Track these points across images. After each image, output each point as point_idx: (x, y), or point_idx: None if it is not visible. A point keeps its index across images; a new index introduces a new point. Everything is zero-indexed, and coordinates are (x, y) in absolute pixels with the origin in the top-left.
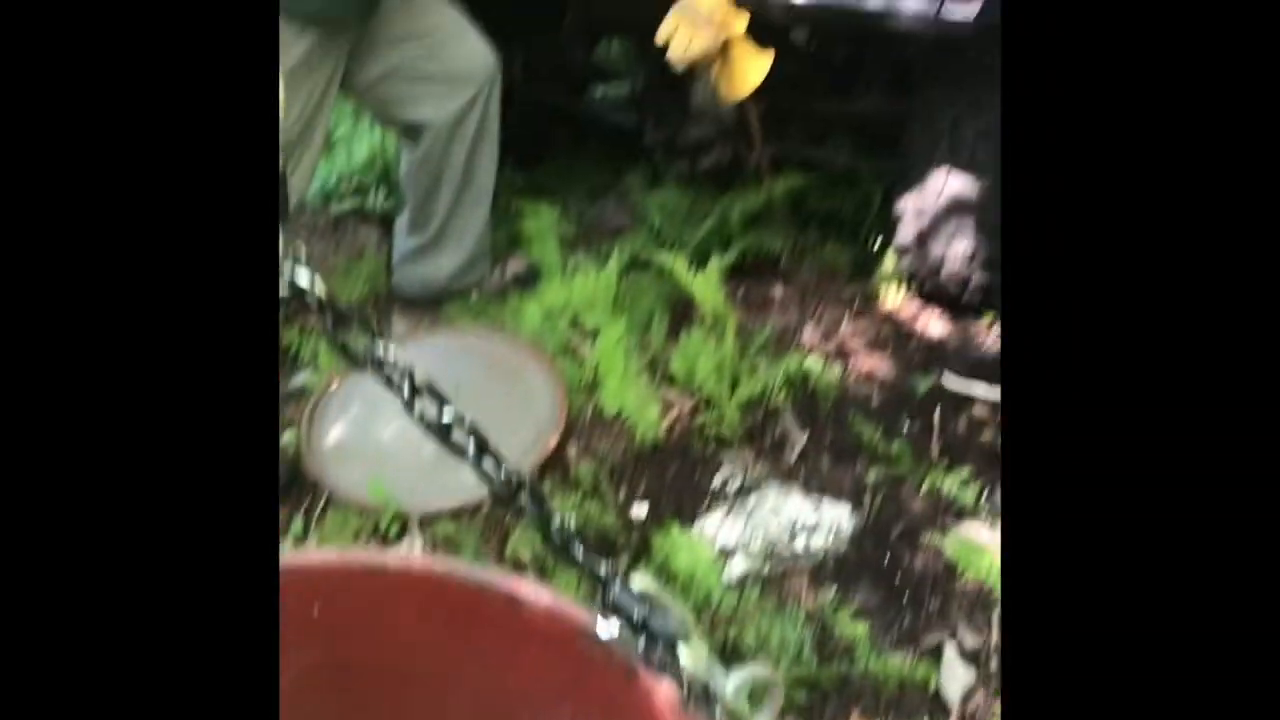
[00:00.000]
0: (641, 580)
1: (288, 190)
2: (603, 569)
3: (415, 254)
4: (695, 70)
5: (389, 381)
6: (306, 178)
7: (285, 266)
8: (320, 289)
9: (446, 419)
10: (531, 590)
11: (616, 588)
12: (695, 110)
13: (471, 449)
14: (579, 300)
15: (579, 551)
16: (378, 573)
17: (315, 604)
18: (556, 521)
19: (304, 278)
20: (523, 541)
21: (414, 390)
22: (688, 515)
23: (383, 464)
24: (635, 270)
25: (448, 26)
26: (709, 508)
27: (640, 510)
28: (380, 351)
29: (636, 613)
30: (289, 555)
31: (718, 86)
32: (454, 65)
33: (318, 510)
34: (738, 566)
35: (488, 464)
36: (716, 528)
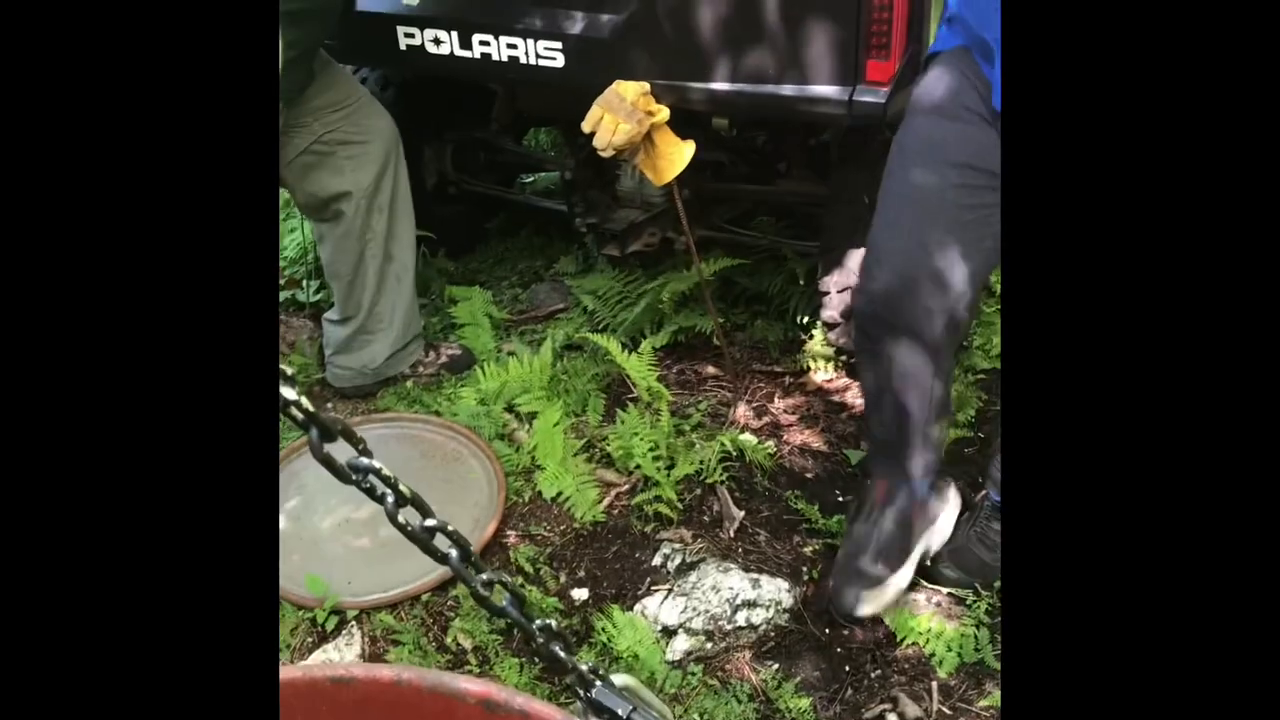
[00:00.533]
0: (623, 678)
1: None
2: (585, 666)
3: (348, 343)
4: (621, 157)
5: (370, 492)
6: None
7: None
8: (306, 403)
9: (430, 524)
10: (504, 694)
11: (599, 686)
12: (623, 196)
13: (455, 555)
14: (514, 385)
15: (562, 651)
16: (345, 685)
17: None
18: (540, 622)
19: (290, 392)
20: (463, 630)
21: (399, 499)
22: (629, 595)
23: (319, 557)
24: (570, 353)
25: (358, 95)
26: (650, 587)
27: (581, 593)
28: (365, 462)
29: (622, 710)
30: None
31: (644, 173)
32: (369, 130)
33: None
34: (680, 645)
35: (469, 569)
36: (658, 607)
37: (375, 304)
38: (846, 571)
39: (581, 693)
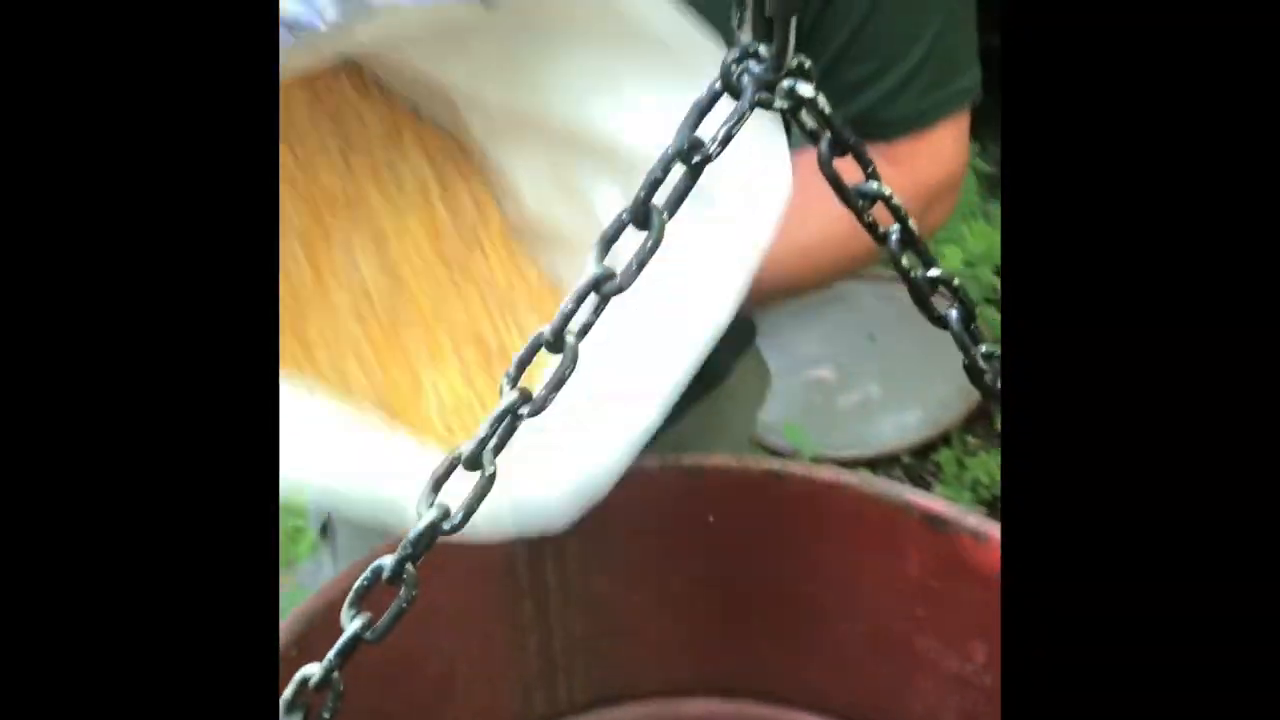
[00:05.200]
0: None
1: None
2: None
3: None
4: None
5: (872, 228)
6: None
7: None
8: (825, 103)
9: (935, 274)
10: (953, 511)
11: None
12: None
13: (955, 315)
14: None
15: None
16: (777, 479)
17: (709, 512)
18: None
19: (807, 89)
20: (945, 497)
21: (906, 235)
22: None
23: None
24: None
25: None
26: None
27: None
28: (874, 188)
29: None
30: (691, 457)
31: None
32: None
33: None
34: None
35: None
36: None
37: None
38: None
39: None
